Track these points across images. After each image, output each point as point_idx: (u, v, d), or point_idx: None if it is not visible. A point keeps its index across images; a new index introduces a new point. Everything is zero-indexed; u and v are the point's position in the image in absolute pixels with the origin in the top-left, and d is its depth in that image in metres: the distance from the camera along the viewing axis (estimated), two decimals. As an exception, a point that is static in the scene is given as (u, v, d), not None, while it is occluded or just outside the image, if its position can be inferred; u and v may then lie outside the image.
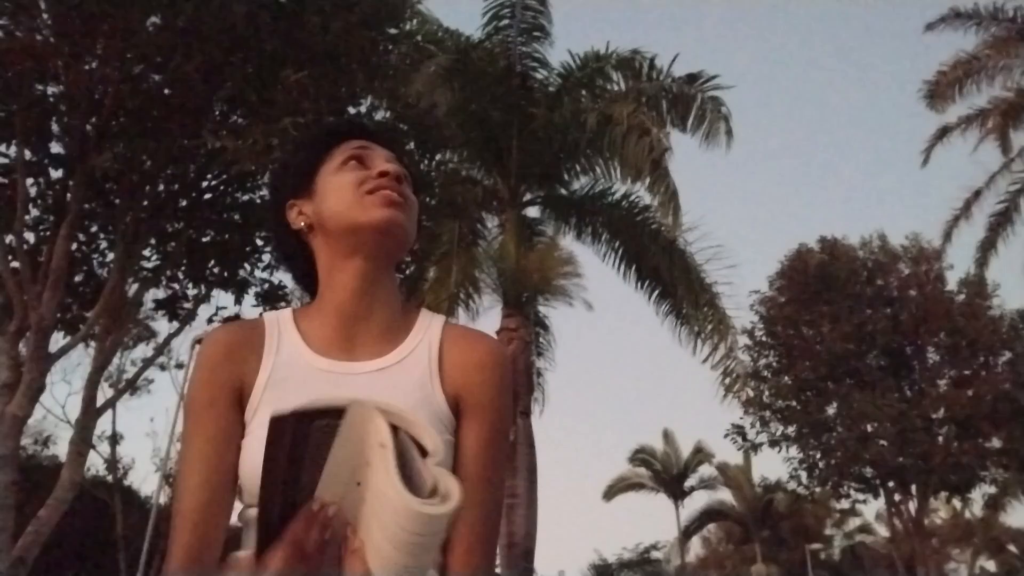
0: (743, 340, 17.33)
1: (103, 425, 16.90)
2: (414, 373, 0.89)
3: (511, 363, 0.95)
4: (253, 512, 0.84)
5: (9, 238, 6.00)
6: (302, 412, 0.64)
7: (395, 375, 0.89)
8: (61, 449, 18.75)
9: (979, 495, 19.34)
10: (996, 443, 16.97)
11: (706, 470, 32.09)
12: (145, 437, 42.14)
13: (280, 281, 7.45)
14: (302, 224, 0.94)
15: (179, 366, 17.73)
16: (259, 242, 7.20)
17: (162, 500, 16.20)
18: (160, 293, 7.38)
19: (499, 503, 0.90)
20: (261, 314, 1.02)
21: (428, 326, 0.94)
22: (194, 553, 0.82)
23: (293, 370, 0.89)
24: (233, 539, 0.87)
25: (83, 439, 6.33)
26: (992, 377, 16.65)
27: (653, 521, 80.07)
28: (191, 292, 7.37)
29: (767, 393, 18.30)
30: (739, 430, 18.35)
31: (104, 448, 17.56)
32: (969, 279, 17.36)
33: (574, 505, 63.14)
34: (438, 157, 7.91)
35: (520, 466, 9.46)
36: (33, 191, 6.31)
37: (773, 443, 18.34)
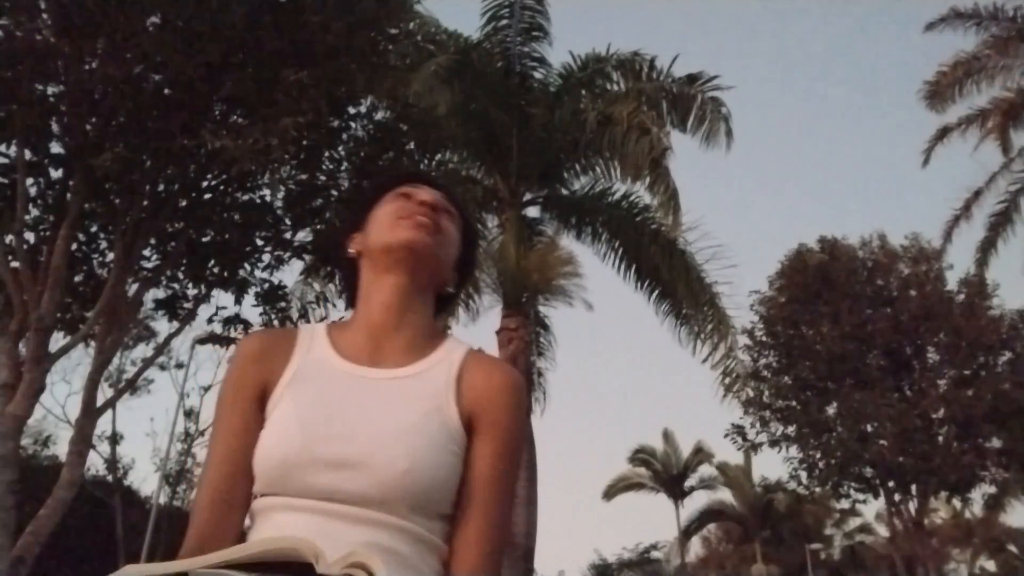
0: (743, 340, 17.35)
1: (103, 425, 16.93)
2: (431, 386, 0.93)
3: (527, 392, 0.99)
4: (261, 503, 0.88)
5: (9, 238, 5.99)
6: None
7: (413, 384, 0.93)
8: (61, 449, 18.78)
9: (979, 495, 19.32)
10: (996, 443, 16.95)
11: (706, 470, 32.15)
12: (145, 437, 42.33)
13: (280, 281, 7.45)
14: (353, 251, 1.05)
15: (179, 366, 17.78)
16: (259, 242, 7.19)
17: (162, 500, 16.21)
18: (160, 293, 7.37)
19: (507, 519, 0.92)
20: (297, 325, 1.11)
21: (453, 348, 0.99)
22: (205, 540, 0.86)
23: (317, 369, 0.94)
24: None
25: (83, 439, 6.32)
26: (992, 377, 16.63)
27: (653, 521, 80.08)
28: (191, 292, 7.35)
29: (767, 393, 18.28)
30: (739, 430, 18.34)
31: (104, 448, 17.58)
32: (969, 279, 17.35)
33: (574, 505, 63.14)
34: (438, 157, 7.90)
35: (520, 465, 9.46)
36: (33, 191, 6.30)
37: (773, 443, 18.33)
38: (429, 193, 1.03)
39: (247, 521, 0.91)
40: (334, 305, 8.70)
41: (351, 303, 1.06)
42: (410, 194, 1.03)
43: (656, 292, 11.41)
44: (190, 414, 18.63)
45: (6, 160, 6.06)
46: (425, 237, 0.98)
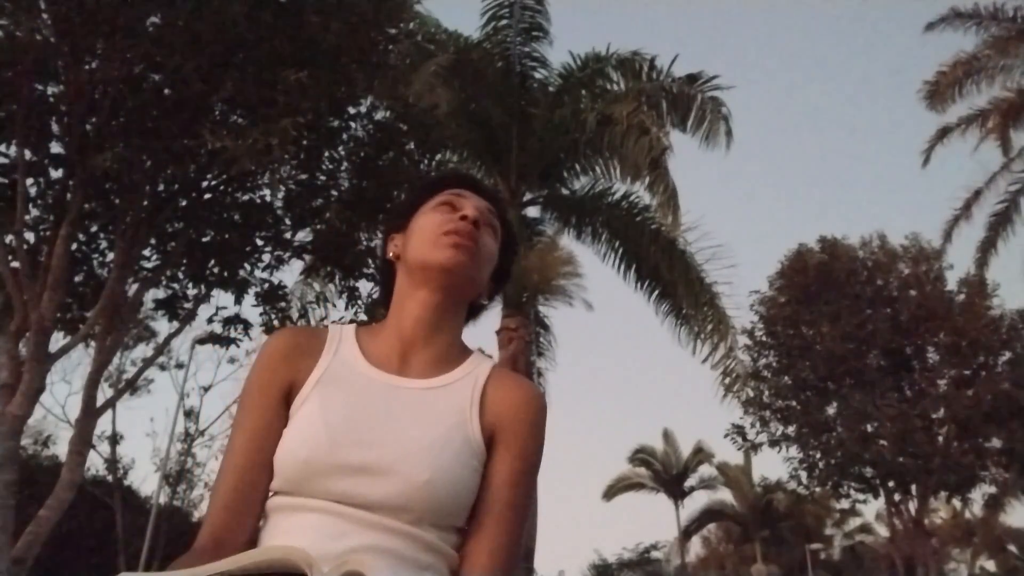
0: (743, 340, 17.34)
1: (103, 425, 16.90)
2: (455, 399, 0.94)
3: (546, 411, 1.01)
4: (276, 502, 0.89)
5: (9, 238, 5.99)
6: None
7: (438, 396, 0.94)
8: (61, 449, 18.75)
9: (979, 495, 19.33)
10: (996, 443, 16.94)
11: (706, 470, 32.16)
12: (145, 437, 42.17)
13: (280, 281, 7.45)
14: (391, 255, 1.05)
15: (179, 366, 17.76)
16: (259, 242, 7.19)
17: (162, 500, 16.21)
18: (160, 293, 7.37)
19: (519, 534, 0.93)
20: (325, 324, 1.12)
21: (478, 364, 1.01)
22: (220, 533, 0.86)
23: (345, 373, 0.95)
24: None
25: (83, 439, 6.32)
26: (992, 377, 16.62)
27: (653, 521, 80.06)
28: (191, 292, 7.35)
29: (767, 393, 18.27)
30: (739, 430, 18.33)
31: (104, 448, 17.55)
32: (969, 279, 17.33)
33: (574, 505, 63.15)
34: (438, 157, 7.89)
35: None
36: (33, 191, 6.30)
37: (773, 443, 18.32)
38: (473, 207, 1.01)
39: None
40: (334, 305, 8.70)
41: (385, 304, 1.08)
42: (455, 205, 1.02)
43: (656, 292, 11.41)
44: (190, 414, 18.62)
45: (6, 160, 6.06)
46: (463, 260, 0.97)
